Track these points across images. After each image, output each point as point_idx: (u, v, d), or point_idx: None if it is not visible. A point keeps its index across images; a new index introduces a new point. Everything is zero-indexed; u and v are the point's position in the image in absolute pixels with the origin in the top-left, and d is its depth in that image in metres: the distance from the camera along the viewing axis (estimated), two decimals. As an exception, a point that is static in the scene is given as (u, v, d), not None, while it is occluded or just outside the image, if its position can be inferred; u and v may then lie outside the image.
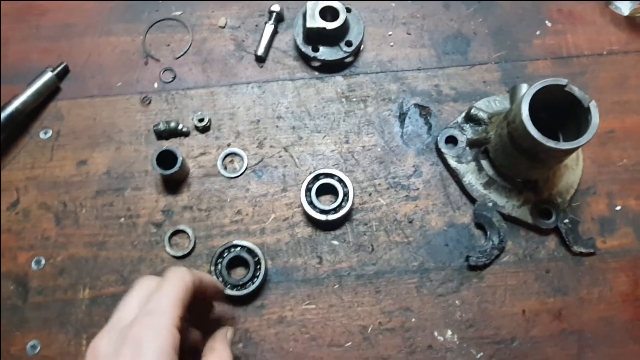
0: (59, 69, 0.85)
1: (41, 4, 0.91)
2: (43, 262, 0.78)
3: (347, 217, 0.78)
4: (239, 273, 0.76)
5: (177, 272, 0.57)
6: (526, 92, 0.67)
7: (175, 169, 0.76)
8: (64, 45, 0.89)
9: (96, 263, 0.77)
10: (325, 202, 0.78)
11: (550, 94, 0.68)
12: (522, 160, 0.71)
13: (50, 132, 0.84)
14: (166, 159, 0.77)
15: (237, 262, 0.76)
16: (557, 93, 0.68)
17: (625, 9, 0.88)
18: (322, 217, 0.76)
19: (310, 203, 0.77)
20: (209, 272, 0.74)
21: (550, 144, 0.64)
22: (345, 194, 0.77)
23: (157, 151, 0.76)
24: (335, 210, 0.76)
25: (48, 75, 0.83)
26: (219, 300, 0.74)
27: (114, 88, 0.86)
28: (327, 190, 0.79)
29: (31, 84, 0.82)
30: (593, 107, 0.66)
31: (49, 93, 0.85)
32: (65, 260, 0.78)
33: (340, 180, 0.77)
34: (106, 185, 0.81)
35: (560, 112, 0.71)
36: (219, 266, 0.75)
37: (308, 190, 0.77)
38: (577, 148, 0.65)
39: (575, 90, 0.67)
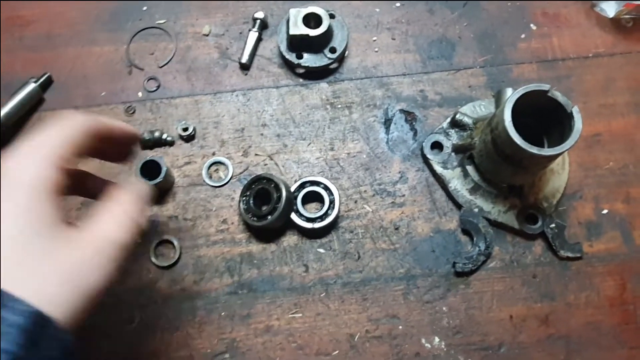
0: (42, 79, 0.85)
1: (24, 15, 0.90)
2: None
3: (333, 225, 0.78)
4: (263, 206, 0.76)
5: (68, 115, 0.53)
6: (508, 98, 0.66)
7: (160, 179, 0.75)
8: (48, 56, 0.88)
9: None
10: (311, 210, 0.78)
11: (534, 99, 0.67)
12: (506, 166, 0.71)
13: (34, 143, 0.83)
14: (151, 169, 0.76)
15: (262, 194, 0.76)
16: (540, 98, 0.68)
17: (610, 11, 0.87)
18: (309, 225, 0.76)
19: (297, 211, 0.77)
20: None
21: (533, 150, 0.64)
22: (331, 202, 0.77)
23: (141, 161, 0.76)
24: (322, 218, 0.76)
25: (31, 86, 0.83)
26: (134, 145, 0.65)
27: (98, 98, 0.86)
28: (313, 198, 0.78)
29: (14, 95, 0.82)
30: (576, 112, 0.66)
31: (33, 104, 0.84)
32: (50, 272, 0.77)
33: (326, 188, 0.77)
34: (91, 196, 0.81)
35: (544, 116, 0.71)
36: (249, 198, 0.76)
37: (294, 198, 0.77)
38: (559, 154, 0.65)
39: (558, 96, 0.67)
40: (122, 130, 0.59)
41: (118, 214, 0.52)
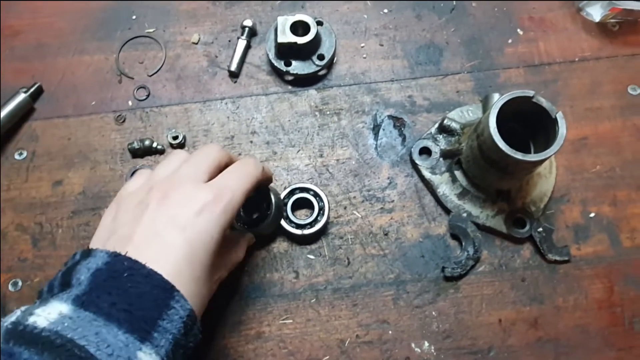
0: (32, 89, 0.85)
1: (14, 25, 0.91)
2: (20, 284, 0.78)
3: (323, 231, 0.78)
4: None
5: (253, 163, 0.63)
6: (493, 105, 0.67)
7: (149, 188, 0.76)
8: (38, 66, 0.89)
9: (73, 284, 0.77)
10: (301, 217, 0.78)
11: (520, 104, 0.68)
12: (493, 171, 0.72)
13: (25, 153, 0.84)
14: (141, 177, 0.77)
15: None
16: (525, 104, 0.68)
17: (596, 15, 0.88)
18: (298, 231, 0.76)
19: (286, 218, 0.77)
20: None
21: (518, 156, 0.65)
22: (321, 208, 0.77)
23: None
24: (311, 224, 0.77)
25: (21, 96, 0.83)
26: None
27: (89, 107, 0.86)
28: (302, 204, 0.79)
29: (4, 106, 0.82)
30: (560, 118, 0.66)
31: (23, 114, 0.85)
32: (42, 282, 0.78)
33: (316, 195, 0.78)
34: (82, 205, 0.81)
35: (530, 121, 0.72)
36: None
37: (284, 204, 0.78)
38: (544, 160, 0.65)
39: (543, 102, 0.67)
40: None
41: (233, 170, 0.60)
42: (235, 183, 0.57)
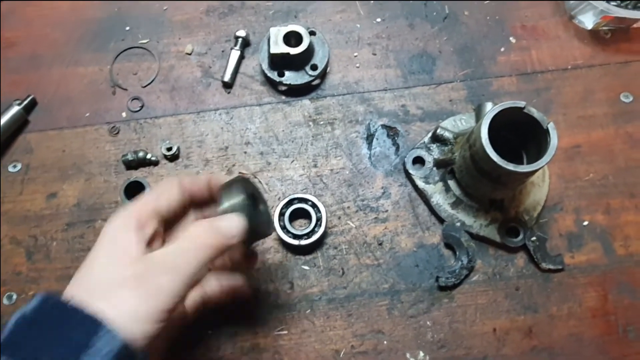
0: (26, 102, 0.85)
1: (8, 36, 0.91)
2: (15, 297, 0.78)
3: (320, 242, 0.79)
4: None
5: (164, 184, 0.60)
6: (485, 115, 0.67)
7: (143, 200, 0.76)
8: (32, 77, 0.89)
9: (68, 296, 0.77)
10: (296, 227, 0.78)
11: (512, 115, 0.68)
12: (486, 181, 0.72)
13: (19, 166, 0.84)
14: (135, 189, 0.77)
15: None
16: (517, 114, 0.68)
17: (588, 23, 0.88)
18: (295, 242, 0.76)
19: (284, 228, 0.77)
20: None
21: (509, 167, 0.65)
22: (318, 219, 0.77)
23: (125, 183, 0.77)
24: (308, 235, 0.77)
25: (15, 109, 0.84)
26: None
27: (83, 119, 0.86)
28: (299, 215, 0.79)
29: (-2, 119, 0.83)
30: (552, 128, 0.66)
31: (17, 126, 0.85)
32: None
33: (314, 205, 0.78)
34: (77, 217, 0.81)
35: (522, 132, 0.72)
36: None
37: (281, 215, 0.78)
38: (536, 171, 0.66)
39: (534, 112, 0.67)
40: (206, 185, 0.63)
41: (194, 237, 0.55)
42: (169, 282, 0.51)
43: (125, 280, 0.50)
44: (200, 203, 0.63)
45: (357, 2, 0.92)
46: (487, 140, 0.66)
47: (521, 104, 0.67)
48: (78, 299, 0.48)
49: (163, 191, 0.58)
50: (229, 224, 0.56)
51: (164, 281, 0.50)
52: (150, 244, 0.54)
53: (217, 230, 0.55)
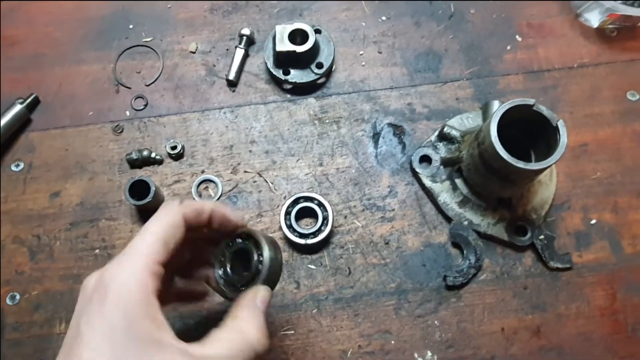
0: (28, 100, 0.84)
1: (10, 35, 0.90)
2: (18, 297, 0.77)
3: (326, 241, 0.78)
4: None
5: (164, 208, 0.51)
6: (494, 113, 0.67)
7: (148, 199, 0.75)
8: (35, 76, 0.88)
9: (72, 296, 0.77)
10: (303, 226, 0.77)
11: (520, 112, 0.68)
12: (494, 179, 0.71)
13: (22, 165, 0.83)
14: (139, 188, 0.76)
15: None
16: (526, 112, 0.68)
17: (594, 21, 0.88)
18: (302, 241, 0.76)
19: (290, 227, 0.77)
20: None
21: (520, 164, 0.64)
22: (325, 218, 0.77)
23: (129, 182, 0.76)
24: (315, 234, 0.76)
25: (17, 107, 0.83)
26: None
27: (86, 117, 0.86)
28: (305, 214, 0.78)
29: (0, 117, 0.82)
30: (561, 126, 0.66)
31: (20, 125, 0.84)
32: (40, 295, 0.77)
33: (320, 204, 0.77)
34: (80, 216, 0.80)
35: (531, 129, 0.71)
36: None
37: (287, 213, 0.77)
38: (546, 168, 0.65)
39: (543, 110, 0.67)
40: (222, 214, 0.56)
41: (234, 341, 0.49)
42: None
43: None
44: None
45: (362, 0, 0.92)
46: (497, 138, 0.66)
47: (530, 101, 0.67)
48: None
49: (170, 225, 0.50)
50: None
51: None
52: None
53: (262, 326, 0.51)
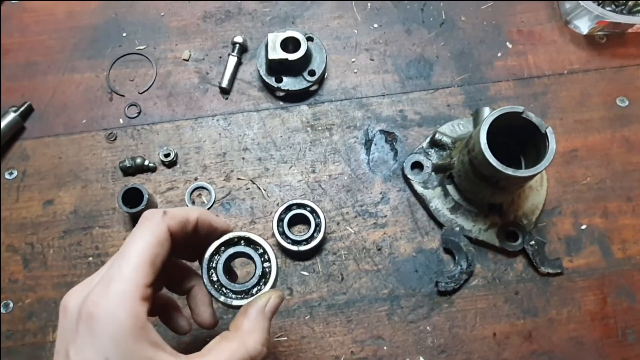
0: (22, 108, 0.85)
1: (2, 43, 0.91)
2: (11, 305, 0.77)
3: (318, 248, 0.78)
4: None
5: (147, 221, 0.48)
6: (484, 120, 0.67)
7: (141, 206, 0.75)
8: (27, 84, 0.88)
9: (65, 304, 0.77)
10: (295, 233, 0.78)
11: (510, 119, 0.68)
12: (484, 186, 0.72)
13: (15, 173, 0.83)
14: (133, 196, 0.76)
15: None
16: (515, 119, 0.69)
17: (584, 28, 0.89)
18: (294, 247, 0.76)
19: (282, 234, 0.77)
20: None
21: (509, 171, 0.65)
22: (317, 225, 0.77)
23: (122, 189, 0.76)
24: (307, 241, 0.76)
25: (11, 115, 0.83)
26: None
27: (79, 125, 0.86)
28: (297, 220, 0.79)
29: (-6, 125, 0.82)
30: (550, 133, 0.67)
31: (14, 133, 0.84)
32: (34, 303, 0.77)
33: (313, 211, 0.78)
34: (73, 224, 0.81)
35: (520, 136, 0.72)
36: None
37: (280, 220, 0.77)
38: (535, 175, 0.66)
39: (532, 117, 0.68)
40: (209, 222, 0.54)
41: (235, 352, 0.48)
42: None
43: None
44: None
45: (354, 8, 0.92)
46: (486, 145, 0.66)
47: (519, 108, 0.68)
48: None
49: (155, 242, 0.47)
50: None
51: None
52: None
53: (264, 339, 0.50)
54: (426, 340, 0.75)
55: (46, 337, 0.75)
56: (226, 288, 0.54)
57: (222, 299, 0.53)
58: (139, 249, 0.46)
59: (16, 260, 0.79)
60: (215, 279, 0.54)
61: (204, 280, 0.54)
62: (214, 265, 0.54)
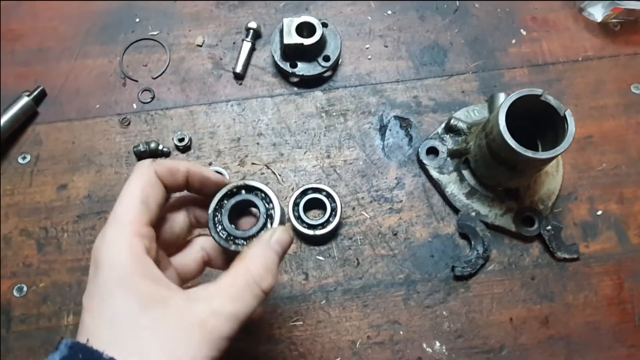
0: (35, 93, 0.84)
1: (15, 29, 0.90)
2: (25, 289, 0.76)
3: (334, 232, 0.78)
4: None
5: (136, 169, 0.50)
6: (502, 103, 0.67)
7: (157, 190, 0.75)
8: (40, 70, 0.88)
9: (80, 288, 0.76)
10: (311, 218, 0.78)
11: (528, 103, 0.68)
12: (502, 170, 0.72)
13: (28, 157, 0.83)
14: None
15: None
16: (533, 102, 0.68)
17: (598, 15, 0.89)
18: (310, 232, 0.76)
19: (298, 218, 0.77)
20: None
21: (528, 153, 0.65)
22: (333, 209, 0.77)
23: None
24: (323, 225, 0.76)
25: (24, 100, 0.83)
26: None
27: (93, 110, 0.85)
28: (313, 205, 0.79)
29: (7, 110, 0.82)
30: (569, 115, 0.66)
31: (27, 118, 0.84)
32: (48, 287, 0.77)
33: (329, 195, 0.77)
34: (87, 209, 0.80)
35: (538, 120, 0.72)
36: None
37: (296, 205, 0.77)
38: (554, 157, 0.66)
39: (551, 100, 0.68)
40: (201, 174, 0.54)
41: (238, 277, 0.47)
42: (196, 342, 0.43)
43: (150, 329, 0.43)
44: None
45: (367, -6, 0.92)
46: (505, 127, 0.66)
47: (538, 91, 0.67)
48: (107, 341, 0.42)
49: (145, 184, 0.49)
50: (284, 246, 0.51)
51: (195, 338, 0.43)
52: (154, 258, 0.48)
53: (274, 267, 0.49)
54: (442, 325, 0.75)
55: (60, 322, 0.75)
56: (234, 236, 0.53)
57: (232, 247, 0.52)
58: (130, 192, 0.48)
59: (30, 244, 0.79)
60: (223, 232, 0.53)
61: (212, 233, 0.53)
62: (219, 218, 0.54)
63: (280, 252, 0.50)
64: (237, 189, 0.55)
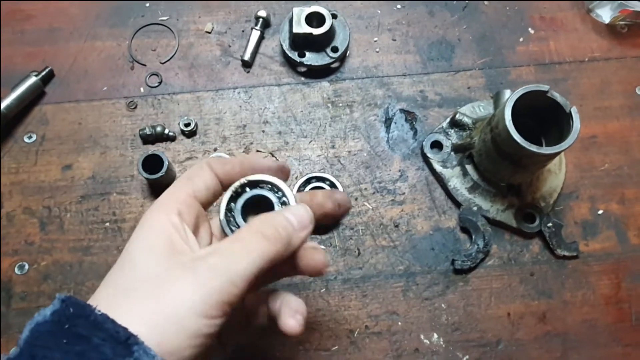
0: (43, 73, 0.84)
1: (25, 9, 0.90)
2: (27, 267, 0.77)
3: (337, 222, 0.78)
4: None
5: (194, 167, 0.52)
6: (509, 97, 0.68)
7: (161, 173, 0.75)
8: (49, 50, 0.88)
9: (81, 268, 0.77)
10: (312, 207, 0.78)
11: (533, 99, 0.69)
12: (506, 165, 0.72)
13: (34, 137, 0.83)
14: (152, 163, 0.76)
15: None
16: (539, 99, 0.69)
17: (605, 17, 0.89)
18: (311, 220, 0.76)
19: (299, 207, 0.77)
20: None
21: (533, 148, 0.65)
22: (336, 198, 0.77)
23: (142, 155, 0.76)
24: (324, 214, 0.77)
25: (32, 79, 0.83)
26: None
27: (100, 93, 0.86)
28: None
29: (15, 88, 0.82)
30: (574, 112, 0.67)
31: (34, 97, 0.84)
32: (49, 266, 0.77)
33: (332, 185, 0.78)
34: (91, 189, 0.81)
35: (543, 117, 0.73)
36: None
37: (299, 192, 0.77)
38: (559, 153, 0.66)
39: (557, 96, 0.68)
40: (267, 166, 0.54)
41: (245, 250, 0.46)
42: (222, 283, 0.43)
43: (170, 278, 0.43)
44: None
45: (377, -12, 0.93)
46: (511, 122, 0.66)
47: (545, 87, 0.68)
48: (108, 301, 0.42)
49: (195, 174, 0.51)
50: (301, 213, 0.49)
51: (217, 283, 0.42)
52: (196, 233, 0.49)
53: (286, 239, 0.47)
54: (440, 318, 0.75)
55: (61, 300, 0.75)
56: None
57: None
58: (182, 179, 0.51)
59: (33, 222, 0.79)
60: (235, 227, 0.52)
61: (224, 229, 0.52)
62: (233, 222, 0.52)
63: (294, 221, 0.48)
64: (241, 188, 0.53)
